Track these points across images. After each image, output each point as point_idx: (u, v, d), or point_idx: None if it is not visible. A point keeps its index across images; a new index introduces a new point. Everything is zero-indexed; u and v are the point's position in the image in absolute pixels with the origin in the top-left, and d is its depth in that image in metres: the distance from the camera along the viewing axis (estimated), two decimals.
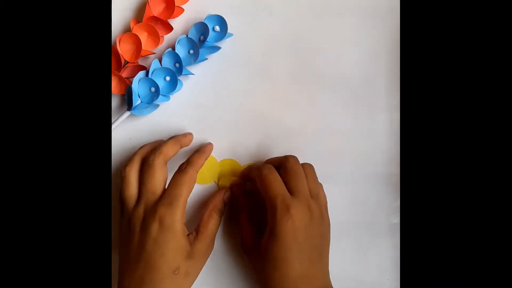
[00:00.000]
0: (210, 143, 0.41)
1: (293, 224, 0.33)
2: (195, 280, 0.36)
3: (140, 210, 0.35)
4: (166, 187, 0.36)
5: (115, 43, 0.40)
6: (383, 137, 0.42)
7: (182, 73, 0.41)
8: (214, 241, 0.38)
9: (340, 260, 0.41)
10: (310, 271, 0.34)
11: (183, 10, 0.42)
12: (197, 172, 0.37)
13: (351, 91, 0.42)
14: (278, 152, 0.42)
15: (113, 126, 0.40)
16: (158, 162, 0.36)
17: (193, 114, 0.42)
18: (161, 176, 0.36)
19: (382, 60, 0.42)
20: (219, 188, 0.41)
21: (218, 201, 0.38)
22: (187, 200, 0.35)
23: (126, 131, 0.42)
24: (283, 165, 0.37)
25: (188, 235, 0.35)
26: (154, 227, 0.33)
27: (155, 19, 0.41)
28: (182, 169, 0.36)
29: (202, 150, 0.39)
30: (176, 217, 0.34)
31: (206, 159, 0.38)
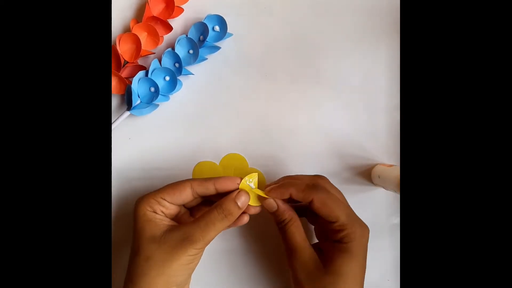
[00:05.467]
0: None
1: (366, 242, 0.34)
2: (165, 272, 0.32)
3: None
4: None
5: (115, 43, 0.40)
6: (383, 137, 0.42)
7: (182, 73, 0.41)
8: (203, 240, 0.33)
9: None
10: None
11: (182, 10, 0.42)
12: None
13: (351, 91, 0.42)
14: (278, 152, 0.42)
15: (113, 126, 0.40)
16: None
17: (192, 114, 0.42)
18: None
19: (382, 60, 0.42)
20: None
21: (226, 201, 0.34)
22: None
23: (126, 131, 0.42)
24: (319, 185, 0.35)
25: (172, 225, 0.34)
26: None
27: (155, 19, 0.41)
28: (180, 181, 0.36)
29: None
30: (141, 201, 0.34)
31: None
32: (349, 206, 0.35)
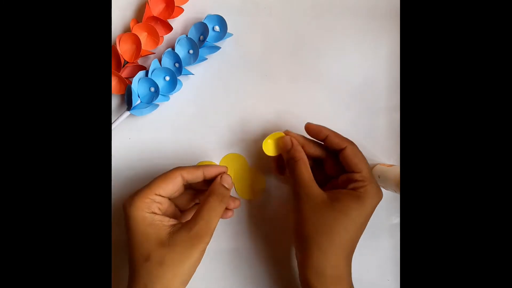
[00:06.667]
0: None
1: (376, 204, 0.35)
2: (180, 272, 0.32)
3: None
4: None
5: (115, 43, 0.40)
6: (383, 137, 0.42)
7: (182, 73, 0.41)
8: (209, 231, 0.33)
9: None
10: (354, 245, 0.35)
11: (182, 10, 0.42)
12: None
13: (351, 91, 0.42)
14: None
15: (113, 126, 0.40)
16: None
17: (192, 114, 0.42)
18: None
19: (382, 60, 0.42)
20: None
21: (216, 186, 0.36)
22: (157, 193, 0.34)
23: (126, 131, 0.42)
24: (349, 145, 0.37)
25: (174, 224, 0.34)
26: (125, 218, 0.34)
27: (155, 19, 0.41)
28: (169, 170, 0.36)
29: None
30: (136, 205, 0.33)
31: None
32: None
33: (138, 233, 0.33)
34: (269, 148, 0.39)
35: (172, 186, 0.35)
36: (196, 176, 0.36)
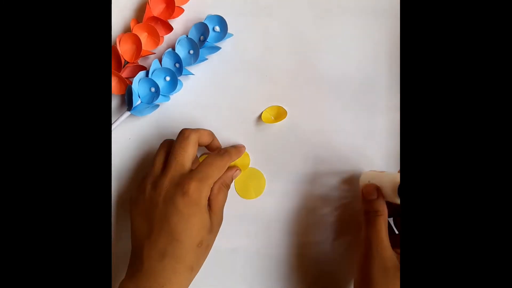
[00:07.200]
0: (243, 146, 0.41)
1: None
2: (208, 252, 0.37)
3: (165, 181, 0.35)
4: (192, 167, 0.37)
5: (115, 43, 0.40)
6: (383, 137, 0.42)
7: (182, 73, 0.41)
8: (223, 214, 0.38)
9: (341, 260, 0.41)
10: None
11: (183, 10, 0.42)
12: (229, 163, 0.38)
13: (351, 91, 0.42)
14: (278, 151, 0.42)
15: (113, 126, 0.40)
16: (193, 137, 0.36)
17: (193, 114, 0.42)
18: (192, 152, 0.36)
19: (382, 60, 0.42)
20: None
21: (227, 177, 0.38)
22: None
23: (126, 131, 0.42)
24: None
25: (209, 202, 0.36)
26: (180, 200, 0.33)
27: (155, 19, 0.41)
28: (220, 153, 0.37)
29: (238, 148, 0.40)
30: (203, 194, 0.34)
31: (238, 158, 0.40)
32: None
33: (198, 219, 0.34)
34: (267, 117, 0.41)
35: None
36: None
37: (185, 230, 0.34)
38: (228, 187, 0.39)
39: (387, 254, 0.33)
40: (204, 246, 0.35)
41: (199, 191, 0.34)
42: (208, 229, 0.35)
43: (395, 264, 0.33)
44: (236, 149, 0.39)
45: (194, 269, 0.35)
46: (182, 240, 0.33)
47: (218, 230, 0.37)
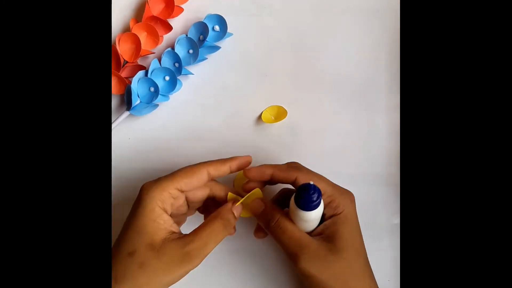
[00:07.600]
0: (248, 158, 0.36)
1: (355, 206, 0.34)
2: (155, 282, 0.30)
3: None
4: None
5: (115, 43, 0.40)
6: (383, 137, 0.42)
7: (182, 73, 0.41)
8: (203, 255, 0.31)
9: None
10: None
11: (182, 9, 0.41)
12: (208, 171, 0.34)
13: (351, 91, 0.42)
14: (277, 151, 0.42)
15: (112, 126, 0.40)
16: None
17: (192, 114, 0.42)
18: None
19: (382, 60, 0.42)
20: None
21: (225, 211, 0.33)
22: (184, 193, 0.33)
23: (125, 131, 0.42)
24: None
25: (173, 232, 0.32)
26: (136, 202, 0.32)
27: (155, 18, 0.41)
28: (194, 165, 0.34)
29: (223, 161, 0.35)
30: (152, 194, 0.31)
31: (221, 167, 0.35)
32: (329, 180, 0.35)
33: (137, 225, 0.31)
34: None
35: (197, 182, 0.33)
36: (222, 171, 0.34)
37: (123, 233, 0.31)
38: (225, 222, 0.33)
39: (308, 244, 0.32)
40: (137, 261, 0.30)
41: (148, 192, 0.31)
42: (148, 242, 0.30)
43: (319, 246, 0.32)
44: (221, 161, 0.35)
45: (118, 281, 0.30)
46: (117, 245, 0.31)
47: (172, 262, 0.30)
